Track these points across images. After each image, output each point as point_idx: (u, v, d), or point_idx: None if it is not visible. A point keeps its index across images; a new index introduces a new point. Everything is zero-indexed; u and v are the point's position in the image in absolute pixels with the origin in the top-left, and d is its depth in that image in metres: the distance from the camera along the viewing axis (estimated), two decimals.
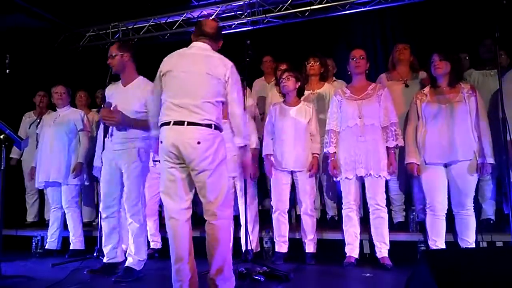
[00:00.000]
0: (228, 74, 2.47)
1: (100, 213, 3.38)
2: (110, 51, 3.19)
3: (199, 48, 2.57)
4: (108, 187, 3.15)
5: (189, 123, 2.38)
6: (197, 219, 3.27)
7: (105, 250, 3.26)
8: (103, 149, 3.26)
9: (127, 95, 3.13)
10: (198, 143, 2.36)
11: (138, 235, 3.12)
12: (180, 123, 2.39)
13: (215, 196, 2.43)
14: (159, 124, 2.49)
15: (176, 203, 2.46)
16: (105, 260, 3.27)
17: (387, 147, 3.31)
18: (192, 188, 2.50)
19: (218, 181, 2.43)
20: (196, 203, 2.96)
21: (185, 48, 2.61)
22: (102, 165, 3.23)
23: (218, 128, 2.46)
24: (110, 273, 3.16)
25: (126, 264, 3.13)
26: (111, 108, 3.03)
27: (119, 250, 3.26)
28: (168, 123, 2.42)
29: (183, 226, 2.46)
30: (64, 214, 4.24)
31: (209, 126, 2.41)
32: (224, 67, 2.47)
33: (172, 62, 2.52)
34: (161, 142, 2.44)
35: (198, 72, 2.43)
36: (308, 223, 3.56)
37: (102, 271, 3.23)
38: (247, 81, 3.35)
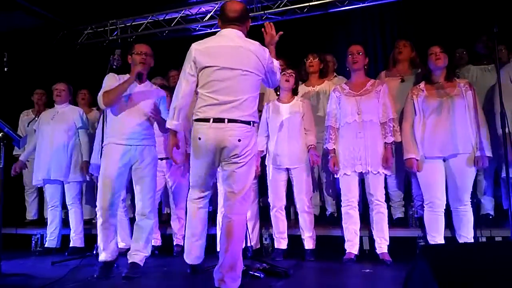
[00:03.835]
0: (266, 65, 2.54)
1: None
2: (149, 50, 3.16)
3: (232, 39, 2.52)
4: (116, 182, 3.03)
5: (230, 120, 2.42)
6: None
7: (108, 248, 3.09)
8: (102, 142, 3.19)
9: (145, 92, 3.17)
10: (239, 140, 2.42)
11: (150, 231, 3.16)
12: (220, 120, 2.42)
13: (240, 187, 2.49)
14: (194, 118, 2.51)
15: (200, 191, 2.64)
16: (107, 259, 3.10)
17: (385, 142, 3.31)
18: (215, 176, 2.70)
19: (246, 173, 2.51)
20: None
21: (217, 38, 2.56)
22: (102, 160, 3.14)
23: (255, 124, 2.54)
24: (109, 272, 3.09)
25: (132, 260, 3.12)
26: None
27: (116, 247, 3.19)
28: (206, 120, 2.44)
29: (201, 208, 2.69)
30: (62, 213, 4.24)
31: (248, 123, 2.47)
32: (262, 61, 2.51)
33: (210, 56, 2.47)
34: (199, 139, 2.47)
35: (243, 69, 2.45)
36: (306, 220, 3.55)
37: (104, 272, 3.07)
38: None
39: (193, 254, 2.79)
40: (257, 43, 2.56)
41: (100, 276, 3.03)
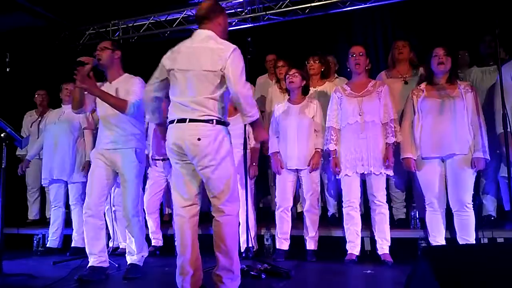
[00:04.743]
0: (225, 65, 2.37)
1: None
2: (101, 45, 3.12)
3: (201, 39, 2.48)
4: (99, 184, 3.04)
5: (190, 120, 2.39)
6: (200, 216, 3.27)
7: (94, 252, 3.03)
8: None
9: (113, 90, 3.06)
10: (199, 139, 2.36)
11: (139, 235, 3.12)
12: (182, 120, 2.41)
13: (220, 191, 2.43)
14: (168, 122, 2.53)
15: (182, 198, 2.50)
16: (95, 263, 3.03)
17: (386, 143, 3.31)
18: (198, 183, 2.51)
19: (222, 176, 2.42)
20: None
21: (188, 41, 2.54)
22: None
23: (220, 122, 2.43)
24: (100, 278, 3.03)
25: (130, 261, 3.15)
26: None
27: (106, 253, 3.13)
28: (172, 121, 2.45)
29: (188, 223, 2.48)
30: (65, 213, 4.26)
31: (210, 121, 2.38)
32: (221, 60, 2.37)
33: (171, 59, 2.49)
34: (166, 139, 2.49)
35: (196, 69, 2.40)
36: (311, 220, 3.56)
37: (93, 276, 2.99)
38: (249, 79, 3.35)
39: (182, 276, 2.44)
40: (223, 42, 2.45)
41: (79, 279, 2.94)
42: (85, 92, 3.04)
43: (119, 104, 2.96)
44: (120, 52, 3.16)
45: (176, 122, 2.43)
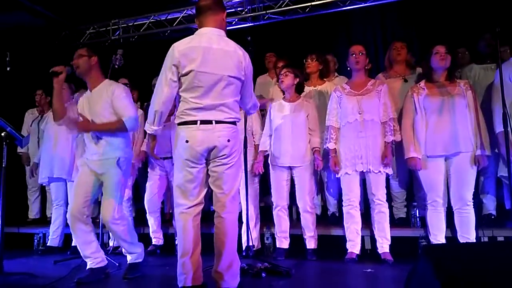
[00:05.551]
0: (246, 73, 2.49)
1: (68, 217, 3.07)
2: (77, 52, 3.12)
3: (214, 39, 2.42)
4: (82, 190, 3.03)
5: (217, 122, 2.40)
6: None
7: (89, 255, 3.04)
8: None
9: (94, 100, 3.07)
10: (228, 141, 2.41)
11: (125, 238, 3.08)
12: (208, 122, 2.39)
13: (230, 188, 2.46)
14: (178, 122, 2.44)
15: (190, 200, 2.46)
16: (92, 265, 3.05)
17: (385, 141, 3.31)
18: (207, 184, 2.51)
19: (235, 173, 2.49)
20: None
21: (198, 38, 2.43)
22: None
23: (238, 121, 2.52)
24: (99, 278, 3.05)
25: (128, 261, 3.15)
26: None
27: (102, 252, 3.13)
28: (194, 122, 2.39)
29: (193, 220, 2.46)
30: (66, 211, 4.26)
31: (233, 123, 2.46)
32: (243, 67, 2.46)
33: (194, 60, 2.35)
34: (187, 141, 2.38)
35: (225, 74, 2.39)
36: (308, 219, 3.56)
37: (91, 278, 3.01)
38: None
39: (185, 274, 2.40)
40: (240, 48, 2.49)
41: (79, 282, 2.95)
42: (66, 104, 3.09)
43: (116, 128, 2.99)
44: (97, 57, 3.12)
45: (200, 124, 2.38)
